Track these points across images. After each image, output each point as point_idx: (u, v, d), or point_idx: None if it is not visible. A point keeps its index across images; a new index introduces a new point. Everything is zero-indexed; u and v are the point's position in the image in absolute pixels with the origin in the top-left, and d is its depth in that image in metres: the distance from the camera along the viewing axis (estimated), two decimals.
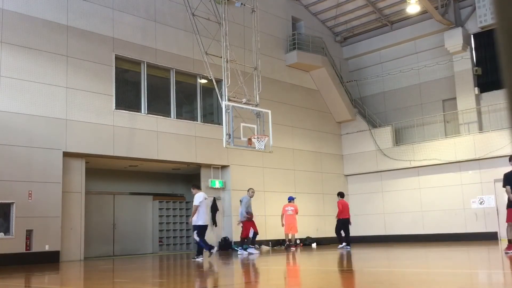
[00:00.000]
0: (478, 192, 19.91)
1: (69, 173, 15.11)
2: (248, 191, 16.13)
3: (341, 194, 17.54)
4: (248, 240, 15.69)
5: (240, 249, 15.59)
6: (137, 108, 17.04)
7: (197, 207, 12.61)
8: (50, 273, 10.75)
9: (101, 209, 18.53)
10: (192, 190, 13.27)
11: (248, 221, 15.70)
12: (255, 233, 15.73)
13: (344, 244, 16.71)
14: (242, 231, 15.87)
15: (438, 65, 22.26)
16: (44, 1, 14.98)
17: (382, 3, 23.04)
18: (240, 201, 16.18)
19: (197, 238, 12.70)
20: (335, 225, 17.31)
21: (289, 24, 22.81)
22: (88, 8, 15.96)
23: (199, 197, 12.70)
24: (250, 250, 15.36)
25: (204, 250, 12.94)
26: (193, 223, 12.80)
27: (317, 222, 21.58)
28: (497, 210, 19.40)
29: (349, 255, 13.75)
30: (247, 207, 15.70)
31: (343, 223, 16.88)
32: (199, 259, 12.56)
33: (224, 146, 15.34)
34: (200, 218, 12.67)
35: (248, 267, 11.04)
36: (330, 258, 13.35)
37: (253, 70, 17.08)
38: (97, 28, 16.12)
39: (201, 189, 13.71)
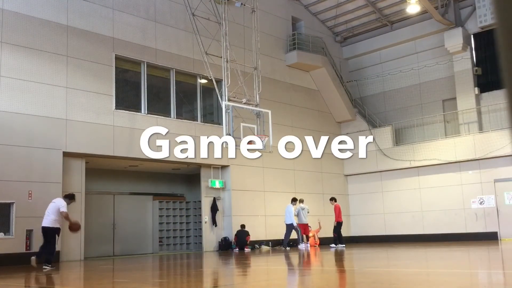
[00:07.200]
0: (478, 192, 19.89)
1: (69, 173, 15.10)
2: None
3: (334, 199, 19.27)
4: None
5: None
6: (137, 108, 17.03)
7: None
8: (50, 273, 10.74)
9: (101, 209, 18.52)
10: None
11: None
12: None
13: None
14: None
15: (438, 65, 22.24)
16: (44, 1, 14.98)
17: (382, 3, 23.02)
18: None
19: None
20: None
21: (289, 24, 22.80)
22: (88, 8, 15.95)
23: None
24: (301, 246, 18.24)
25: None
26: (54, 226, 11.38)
27: (317, 222, 21.54)
28: (497, 210, 19.39)
29: (349, 255, 13.73)
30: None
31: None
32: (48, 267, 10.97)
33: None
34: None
35: (247, 266, 11.03)
36: (330, 258, 13.35)
37: (253, 70, 17.08)
38: (97, 28, 16.11)
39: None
